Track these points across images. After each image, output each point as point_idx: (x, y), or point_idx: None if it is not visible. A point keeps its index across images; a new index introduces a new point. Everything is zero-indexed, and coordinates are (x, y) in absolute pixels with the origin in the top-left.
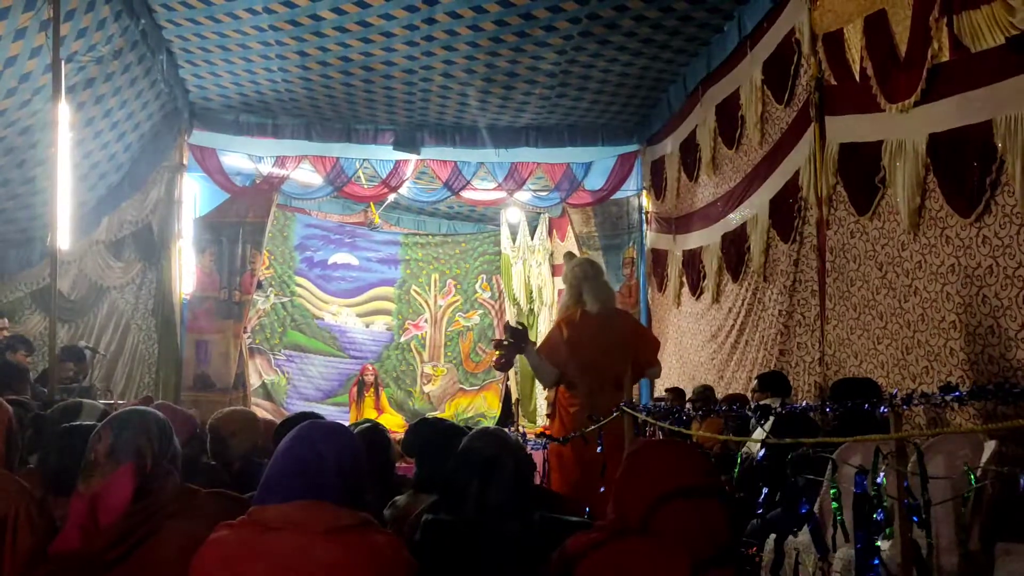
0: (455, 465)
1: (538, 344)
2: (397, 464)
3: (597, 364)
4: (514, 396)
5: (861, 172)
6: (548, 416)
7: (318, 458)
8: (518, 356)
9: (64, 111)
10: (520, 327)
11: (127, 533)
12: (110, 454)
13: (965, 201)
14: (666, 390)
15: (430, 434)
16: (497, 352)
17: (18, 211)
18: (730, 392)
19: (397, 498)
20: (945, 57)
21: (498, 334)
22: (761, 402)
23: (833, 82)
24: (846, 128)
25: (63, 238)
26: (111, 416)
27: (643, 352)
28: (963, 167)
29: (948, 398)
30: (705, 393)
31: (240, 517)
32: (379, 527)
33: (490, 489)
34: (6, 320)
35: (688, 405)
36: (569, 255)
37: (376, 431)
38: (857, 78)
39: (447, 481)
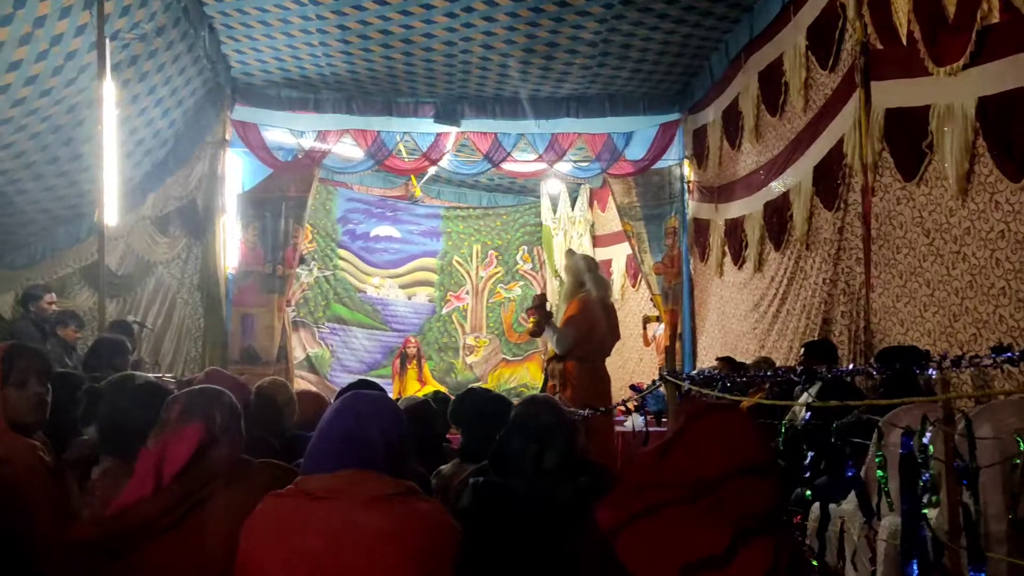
0: (511, 430)
1: (569, 317)
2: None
3: (604, 342)
4: None
5: (908, 137)
6: (553, 388)
7: (362, 428)
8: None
9: (109, 89)
10: (543, 297)
11: (182, 499)
12: (183, 413)
13: (1015, 165)
14: (717, 359)
15: (478, 404)
16: (532, 321)
17: (66, 188)
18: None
19: (442, 467)
20: (995, 19)
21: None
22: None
23: (879, 46)
24: (892, 93)
25: (110, 214)
26: (188, 388)
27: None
28: (1014, 131)
29: (1000, 359)
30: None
31: (287, 487)
32: (423, 495)
33: (547, 454)
34: (53, 295)
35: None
36: (570, 252)
37: (428, 404)
38: (904, 41)
39: (500, 446)
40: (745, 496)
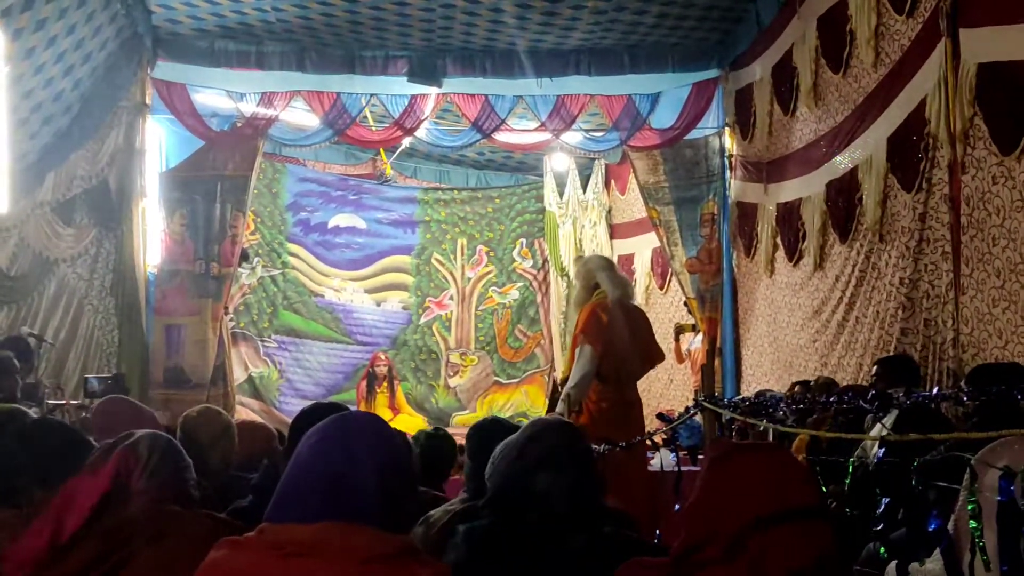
0: (535, 461)
1: (578, 329)
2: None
3: (629, 356)
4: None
5: (1007, 100)
6: (573, 416)
7: (353, 465)
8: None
9: None
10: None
11: (95, 559)
12: (98, 458)
13: None
14: (796, 383)
15: (500, 435)
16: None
17: None
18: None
19: (431, 512)
20: None
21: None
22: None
23: None
24: (987, 43)
25: (0, 200)
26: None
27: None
28: None
29: None
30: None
31: (247, 534)
32: (425, 556)
33: (561, 491)
34: None
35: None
36: (579, 259)
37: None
38: None
39: (516, 481)
40: (787, 548)
